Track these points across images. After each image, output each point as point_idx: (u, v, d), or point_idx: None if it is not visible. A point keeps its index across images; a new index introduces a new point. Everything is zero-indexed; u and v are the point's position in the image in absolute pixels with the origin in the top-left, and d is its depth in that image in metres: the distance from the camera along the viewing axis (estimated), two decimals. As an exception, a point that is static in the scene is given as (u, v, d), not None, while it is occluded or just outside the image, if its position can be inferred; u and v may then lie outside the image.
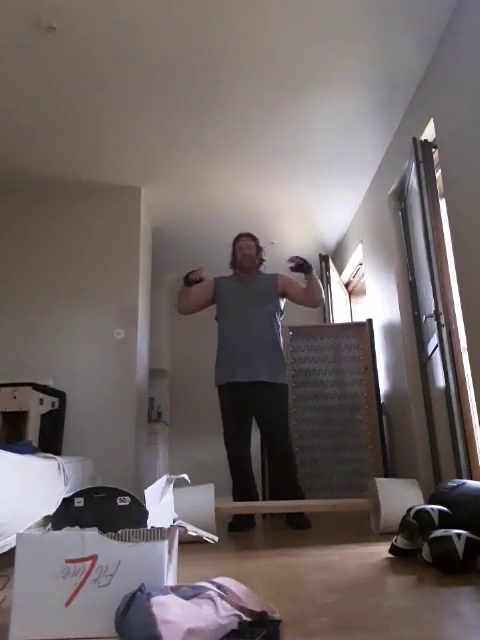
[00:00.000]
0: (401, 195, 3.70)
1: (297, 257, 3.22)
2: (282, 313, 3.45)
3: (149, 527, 1.35)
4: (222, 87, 3.18)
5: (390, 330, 3.90)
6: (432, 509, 1.96)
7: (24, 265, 4.06)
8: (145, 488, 1.55)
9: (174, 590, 1.16)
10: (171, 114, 3.41)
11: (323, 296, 3.38)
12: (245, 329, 3.25)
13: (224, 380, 3.23)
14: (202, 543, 2.22)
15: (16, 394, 3.13)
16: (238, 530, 2.97)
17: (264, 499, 3.61)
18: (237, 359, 3.20)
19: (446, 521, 1.90)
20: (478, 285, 2.52)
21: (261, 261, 3.50)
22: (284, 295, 3.44)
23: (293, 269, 3.23)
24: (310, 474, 3.76)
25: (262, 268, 3.51)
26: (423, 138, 3.12)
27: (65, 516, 1.41)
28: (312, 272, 3.27)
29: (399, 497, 2.54)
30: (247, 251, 3.44)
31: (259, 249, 3.50)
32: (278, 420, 3.18)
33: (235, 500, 3.13)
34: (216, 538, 1.59)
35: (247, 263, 3.43)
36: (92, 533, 1.27)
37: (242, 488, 3.15)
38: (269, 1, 2.60)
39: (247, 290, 3.38)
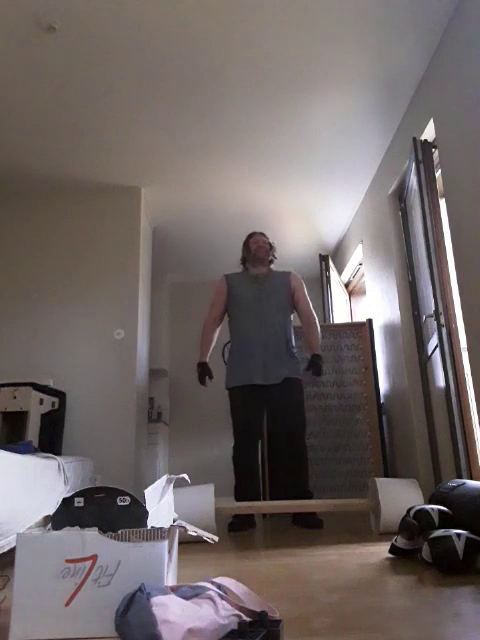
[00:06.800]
0: (401, 195, 3.70)
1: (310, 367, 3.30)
2: (293, 311, 3.45)
3: (149, 527, 1.35)
4: (222, 87, 3.18)
5: (390, 330, 3.90)
6: (432, 509, 1.96)
7: (24, 265, 4.06)
8: (145, 488, 1.54)
9: (174, 590, 1.16)
10: (171, 114, 3.41)
11: (320, 338, 3.39)
12: (262, 329, 3.24)
13: (241, 382, 3.19)
14: (202, 543, 2.23)
15: (16, 394, 3.14)
16: (238, 530, 2.96)
17: (265, 499, 3.61)
18: (255, 361, 3.18)
19: (446, 521, 1.90)
20: (478, 285, 2.52)
21: (273, 258, 3.53)
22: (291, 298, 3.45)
23: (313, 373, 3.30)
24: (310, 474, 3.75)
25: (272, 266, 3.53)
26: (423, 138, 3.12)
27: (65, 516, 1.41)
28: (320, 374, 3.31)
29: (399, 497, 2.54)
30: (262, 244, 3.48)
31: (271, 246, 3.54)
32: (297, 415, 3.15)
33: (237, 499, 3.12)
34: (216, 538, 1.59)
35: (261, 254, 3.45)
36: (92, 533, 1.27)
37: (247, 488, 3.13)
38: (269, 2, 2.60)
39: (261, 288, 3.37)
